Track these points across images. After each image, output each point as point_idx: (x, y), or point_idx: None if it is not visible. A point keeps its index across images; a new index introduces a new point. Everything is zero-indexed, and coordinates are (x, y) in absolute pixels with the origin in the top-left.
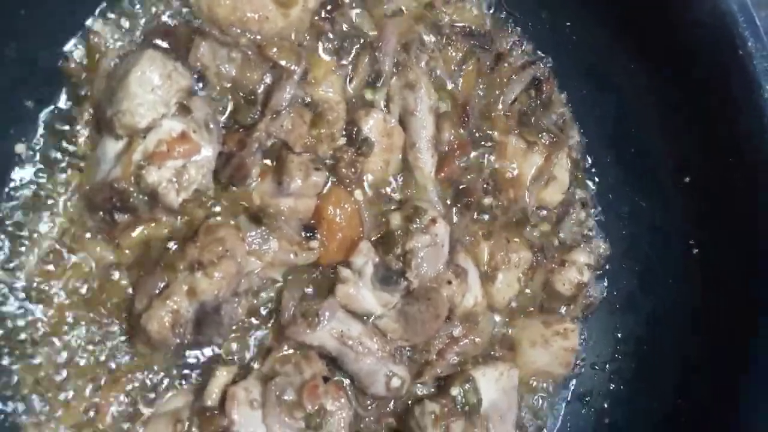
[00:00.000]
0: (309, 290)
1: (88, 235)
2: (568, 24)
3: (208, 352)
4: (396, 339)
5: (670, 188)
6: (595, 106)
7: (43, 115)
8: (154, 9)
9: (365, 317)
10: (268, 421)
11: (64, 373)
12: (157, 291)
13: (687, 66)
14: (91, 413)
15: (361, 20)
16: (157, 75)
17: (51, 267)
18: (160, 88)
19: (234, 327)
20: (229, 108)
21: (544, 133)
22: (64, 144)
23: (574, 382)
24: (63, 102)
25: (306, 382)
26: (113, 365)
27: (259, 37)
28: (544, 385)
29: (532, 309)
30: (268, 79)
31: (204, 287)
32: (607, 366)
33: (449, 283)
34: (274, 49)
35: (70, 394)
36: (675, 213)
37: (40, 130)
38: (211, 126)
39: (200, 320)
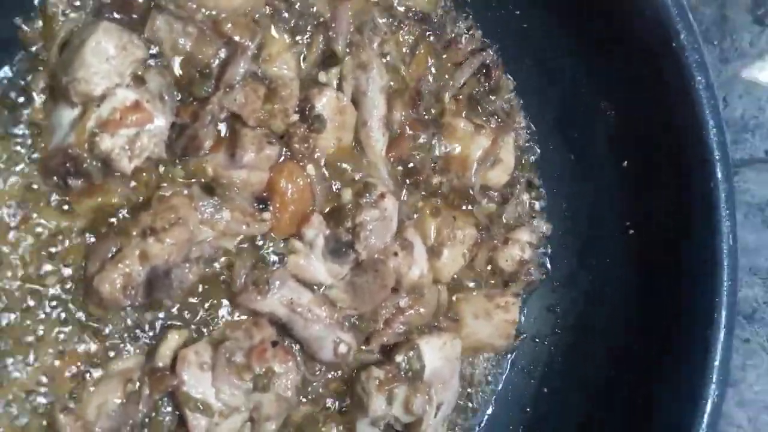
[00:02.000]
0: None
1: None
2: (517, 12)
3: (160, 316)
4: (345, 308)
5: (609, 172)
6: (541, 92)
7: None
8: None
9: (315, 287)
10: (217, 382)
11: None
12: (110, 255)
13: (625, 56)
14: (45, 379)
15: (315, 0)
16: (112, 46)
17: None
18: (114, 58)
19: (185, 292)
20: (184, 81)
21: (492, 117)
22: (19, 112)
23: (515, 353)
24: (18, 70)
25: (255, 346)
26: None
27: (214, 12)
28: (487, 356)
29: (475, 284)
30: (222, 54)
31: (155, 252)
32: (547, 339)
33: (396, 255)
34: (229, 25)
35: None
36: (612, 195)
37: None
38: (165, 97)
39: (151, 283)
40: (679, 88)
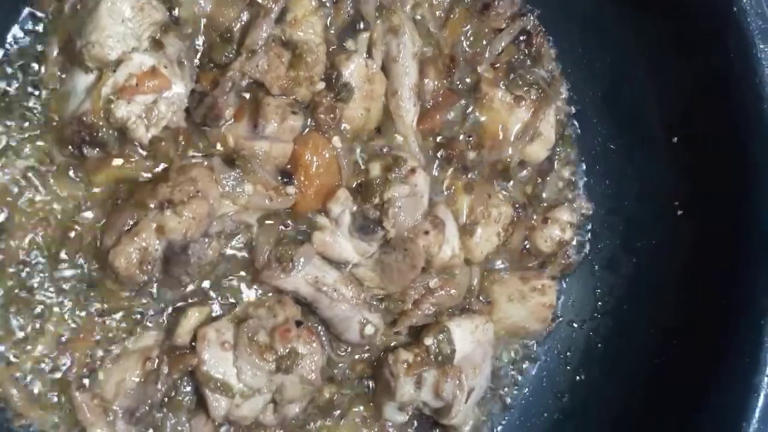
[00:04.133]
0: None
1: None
2: None
3: (180, 292)
4: (372, 288)
5: (658, 148)
6: (585, 61)
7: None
8: None
9: (342, 265)
10: (238, 362)
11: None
12: (126, 228)
13: (681, 22)
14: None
15: None
16: (128, 6)
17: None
18: (131, 20)
19: (206, 268)
20: (204, 46)
21: (532, 88)
22: (33, 78)
23: (551, 338)
24: (30, 31)
25: (278, 325)
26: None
27: None
28: (521, 340)
29: (510, 264)
30: (244, 17)
31: (173, 225)
32: (585, 324)
33: (426, 233)
34: None
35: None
36: (661, 173)
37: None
38: (184, 63)
39: (168, 259)
40: (740, 57)
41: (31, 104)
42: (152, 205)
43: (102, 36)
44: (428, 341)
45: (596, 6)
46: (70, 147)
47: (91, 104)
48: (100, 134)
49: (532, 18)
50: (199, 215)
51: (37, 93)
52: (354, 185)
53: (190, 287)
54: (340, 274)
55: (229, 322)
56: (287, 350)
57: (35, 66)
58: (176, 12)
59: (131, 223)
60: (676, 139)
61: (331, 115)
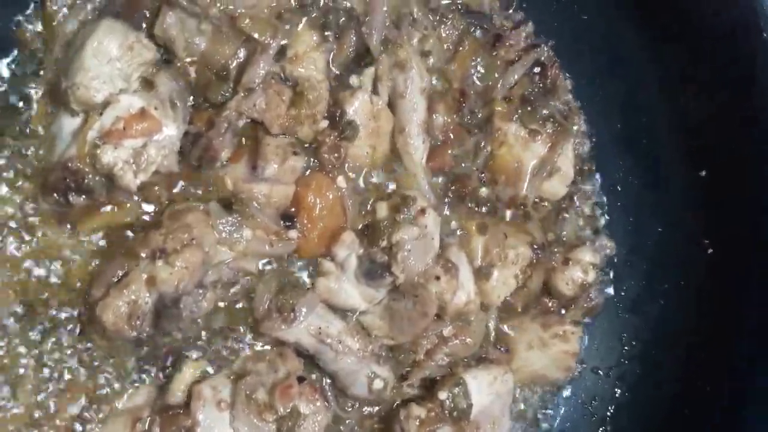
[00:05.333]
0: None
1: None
2: (575, 4)
3: (172, 347)
4: (381, 337)
5: (684, 182)
6: (603, 93)
7: None
8: None
9: (348, 313)
10: (236, 423)
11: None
12: (115, 279)
13: (705, 50)
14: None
15: None
16: (115, 46)
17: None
18: (119, 60)
19: (200, 321)
20: (199, 84)
21: (548, 121)
22: (18, 119)
23: (574, 385)
24: (16, 72)
25: (279, 381)
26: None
27: (231, 7)
28: (542, 389)
29: (529, 309)
30: (241, 55)
31: (164, 277)
32: (612, 371)
33: (438, 279)
34: (247, 21)
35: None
36: (688, 209)
37: None
38: (177, 103)
39: (159, 312)
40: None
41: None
42: (143, 255)
43: (87, 77)
44: (442, 395)
45: (612, 36)
46: (55, 194)
47: (76, 149)
48: (86, 181)
49: (546, 49)
50: (192, 265)
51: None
52: (360, 227)
53: (185, 340)
54: (345, 324)
55: (226, 378)
56: (289, 409)
57: (20, 104)
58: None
59: (120, 273)
60: (703, 173)
61: (335, 155)
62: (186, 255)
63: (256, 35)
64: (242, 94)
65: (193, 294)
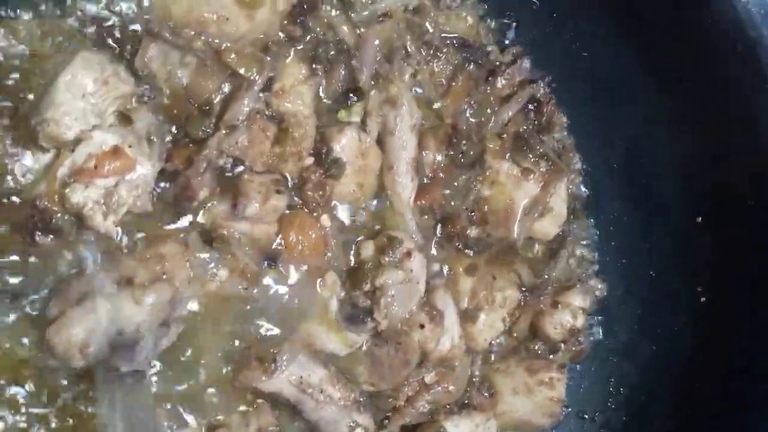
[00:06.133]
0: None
1: None
2: (574, 40)
3: None
4: (361, 382)
5: (680, 227)
6: (600, 132)
7: None
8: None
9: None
10: None
11: None
12: (76, 300)
13: (707, 92)
14: None
15: (338, 25)
16: (90, 80)
17: None
18: (93, 95)
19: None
20: (179, 118)
21: (542, 159)
22: None
23: (559, 430)
24: None
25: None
26: None
27: (217, 41)
28: None
29: (515, 352)
30: (226, 89)
31: (128, 314)
32: (597, 416)
33: (422, 327)
34: (233, 55)
35: None
36: (683, 255)
37: None
38: (154, 139)
39: (114, 347)
40: None
41: None
42: (110, 279)
43: (58, 113)
44: None
45: (613, 75)
46: (20, 234)
47: (46, 186)
48: (54, 220)
49: (542, 85)
50: (160, 304)
51: None
52: (344, 268)
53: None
54: (327, 372)
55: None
56: None
57: None
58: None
59: (82, 293)
60: (699, 219)
61: (320, 192)
62: (154, 293)
63: (242, 71)
64: (224, 132)
65: (155, 332)
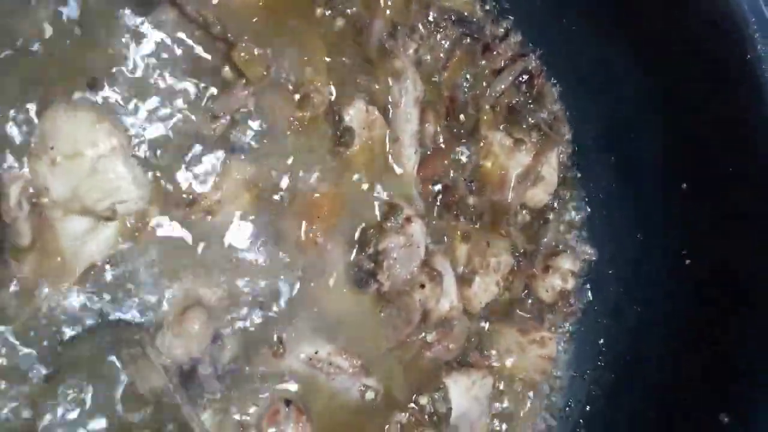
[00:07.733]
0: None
1: None
2: (565, 14)
3: None
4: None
5: (666, 193)
6: (588, 102)
7: None
8: None
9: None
10: None
11: None
12: None
13: (691, 66)
14: None
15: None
16: None
17: None
18: None
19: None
20: None
21: (533, 130)
22: None
23: (550, 389)
24: None
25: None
26: None
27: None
28: (519, 391)
29: (510, 314)
30: None
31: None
32: (586, 375)
33: (422, 287)
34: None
35: None
36: (668, 220)
37: None
38: None
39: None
40: (754, 106)
41: None
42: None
43: None
44: (423, 400)
45: (601, 45)
46: None
47: None
48: None
49: (533, 58)
50: (196, 332)
51: None
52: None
53: None
54: (333, 345)
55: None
56: None
57: None
58: None
59: None
60: (684, 186)
61: None
62: (186, 324)
63: None
64: None
65: (212, 350)
